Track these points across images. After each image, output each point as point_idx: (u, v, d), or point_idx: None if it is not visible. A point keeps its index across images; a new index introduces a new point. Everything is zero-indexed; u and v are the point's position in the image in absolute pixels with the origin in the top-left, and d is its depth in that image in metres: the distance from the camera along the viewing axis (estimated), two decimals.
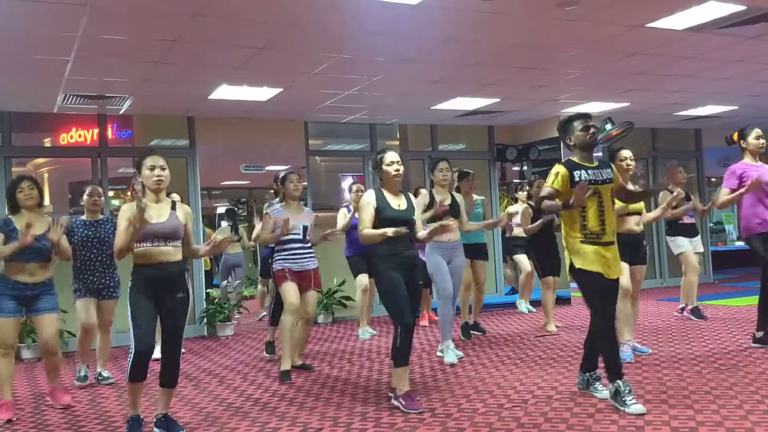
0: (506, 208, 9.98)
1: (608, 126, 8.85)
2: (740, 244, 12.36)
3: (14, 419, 4.71)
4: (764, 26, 5.94)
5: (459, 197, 6.31)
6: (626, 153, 5.53)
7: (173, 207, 4.20)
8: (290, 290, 5.66)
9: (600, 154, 8.39)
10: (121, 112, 8.13)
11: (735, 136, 5.96)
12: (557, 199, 4.34)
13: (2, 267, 4.93)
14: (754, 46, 6.60)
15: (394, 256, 4.59)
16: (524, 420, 4.06)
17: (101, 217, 5.83)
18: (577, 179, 4.29)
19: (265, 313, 9.31)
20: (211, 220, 13.35)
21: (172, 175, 4.25)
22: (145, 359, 4.04)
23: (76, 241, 5.59)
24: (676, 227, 7.51)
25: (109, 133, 8.41)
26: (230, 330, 8.43)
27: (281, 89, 7.31)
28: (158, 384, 4.24)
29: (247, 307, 9.54)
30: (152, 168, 4.12)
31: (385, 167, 4.73)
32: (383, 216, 4.61)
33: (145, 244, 4.05)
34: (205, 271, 9.08)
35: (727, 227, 16.05)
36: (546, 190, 4.35)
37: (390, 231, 4.48)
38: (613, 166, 4.62)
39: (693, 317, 7.58)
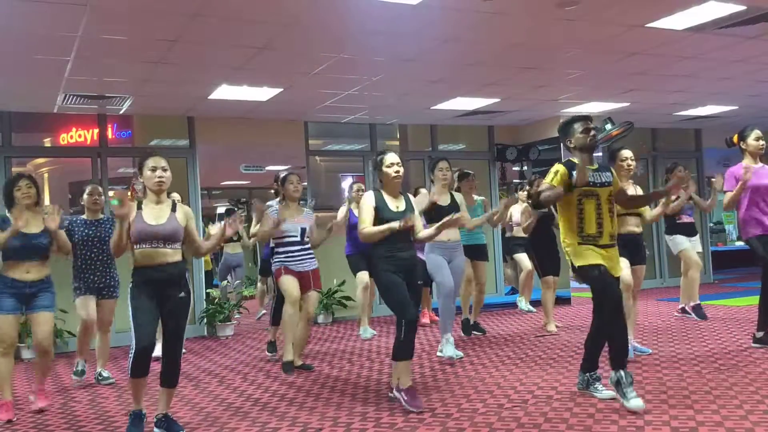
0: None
1: (608, 126, 8.86)
2: (740, 244, 12.37)
3: (14, 419, 4.71)
4: (764, 26, 5.94)
5: (459, 197, 6.31)
6: (627, 153, 5.53)
7: (173, 209, 4.20)
8: (289, 282, 5.71)
9: (600, 154, 8.40)
10: (121, 112, 8.13)
11: (735, 138, 5.96)
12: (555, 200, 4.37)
13: (0, 266, 4.93)
14: (754, 46, 6.60)
15: (393, 256, 4.60)
16: (524, 420, 4.06)
17: (101, 216, 5.84)
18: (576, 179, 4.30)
19: (264, 312, 9.31)
20: (211, 220, 13.33)
21: (172, 176, 4.25)
22: (146, 355, 4.04)
23: (77, 240, 5.60)
24: (675, 226, 7.51)
25: (109, 133, 8.42)
26: (230, 330, 8.43)
27: (281, 89, 7.31)
28: (158, 384, 4.24)
29: (247, 307, 9.53)
30: (154, 169, 4.13)
31: (385, 169, 4.73)
32: (381, 217, 4.61)
33: (144, 246, 4.05)
34: (205, 271, 9.08)
35: (727, 227, 16.05)
36: (544, 186, 4.37)
37: (396, 224, 4.49)
38: (612, 170, 4.63)
39: (694, 315, 7.58)
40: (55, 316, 5.42)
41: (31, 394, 5.05)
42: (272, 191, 6.74)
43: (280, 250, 5.83)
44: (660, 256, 11.55)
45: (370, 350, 6.84)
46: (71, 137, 8.40)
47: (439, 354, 6.18)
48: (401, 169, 4.75)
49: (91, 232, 5.66)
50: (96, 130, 8.30)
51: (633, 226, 5.55)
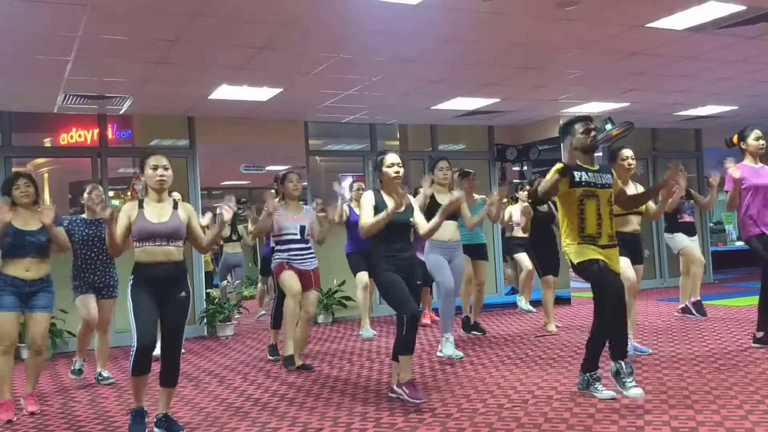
0: (506, 207, 9.98)
1: (608, 126, 8.84)
2: (740, 244, 12.37)
3: (14, 419, 4.71)
4: (764, 26, 5.94)
5: (459, 195, 6.29)
6: (627, 152, 5.54)
7: (175, 206, 4.21)
8: (290, 277, 5.71)
9: (600, 154, 8.40)
10: (121, 112, 8.13)
11: (735, 139, 5.96)
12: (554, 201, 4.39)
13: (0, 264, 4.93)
14: (754, 46, 6.60)
15: (392, 256, 4.61)
16: (524, 420, 4.06)
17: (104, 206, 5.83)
18: (576, 179, 4.31)
19: (263, 312, 9.31)
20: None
21: (173, 176, 4.25)
22: (147, 353, 4.04)
23: (77, 240, 5.60)
24: (676, 225, 7.51)
25: (109, 133, 8.42)
26: (230, 330, 8.43)
27: (281, 89, 7.31)
28: (158, 384, 4.24)
29: (247, 307, 9.53)
30: (155, 168, 4.13)
31: (385, 169, 4.74)
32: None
33: (147, 244, 4.05)
34: (206, 271, 9.08)
35: (727, 227, 16.05)
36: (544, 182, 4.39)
37: (391, 206, 4.49)
38: (613, 172, 4.64)
39: (694, 310, 7.58)
40: (53, 316, 5.44)
41: (21, 398, 5.03)
42: (272, 191, 6.74)
43: (281, 248, 5.85)
44: (660, 256, 11.55)
45: (370, 350, 6.84)
46: (71, 137, 8.40)
47: (439, 354, 6.18)
48: (401, 170, 4.75)
49: (91, 232, 5.66)
50: (96, 130, 8.30)
51: (634, 225, 5.55)
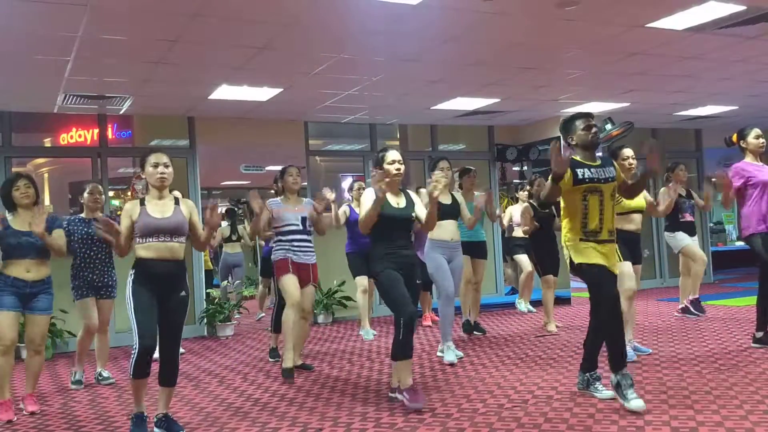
0: (506, 208, 9.99)
1: (608, 126, 8.86)
2: (740, 244, 12.34)
3: (14, 419, 4.71)
4: (764, 26, 5.94)
5: (459, 196, 6.31)
6: (628, 152, 5.53)
7: (176, 203, 4.21)
8: (291, 283, 5.66)
9: (600, 154, 8.39)
10: (121, 112, 8.13)
11: (734, 138, 5.96)
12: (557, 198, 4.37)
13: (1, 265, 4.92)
14: (754, 46, 6.60)
15: (393, 254, 4.61)
16: (524, 420, 4.06)
17: (100, 215, 5.83)
18: (580, 177, 4.30)
19: (263, 314, 9.31)
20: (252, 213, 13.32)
21: (173, 173, 4.25)
22: (149, 354, 4.04)
23: (76, 239, 5.60)
24: (677, 224, 7.51)
25: (109, 133, 8.42)
26: (230, 330, 8.43)
27: (281, 89, 7.31)
28: (158, 384, 4.24)
29: (247, 307, 9.54)
30: (156, 165, 4.13)
31: (386, 166, 4.74)
32: (382, 213, 4.61)
33: (150, 240, 4.05)
34: (205, 271, 9.08)
35: (727, 227, 16.04)
36: (547, 184, 4.37)
37: (379, 193, 4.48)
38: (615, 164, 4.62)
39: (692, 308, 7.58)
40: (53, 316, 5.43)
41: (20, 402, 5.02)
42: (272, 191, 6.73)
43: (283, 238, 5.76)
44: (660, 256, 11.55)
45: (370, 350, 6.84)
46: (71, 137, 8.40)
47: (439, 354, 6.18)
48: (402, 167, 4.76)
49: (90, 231, 5.65)
50: (96, 130, 8.30)
51: (636, 224, 5.56)
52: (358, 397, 4.87)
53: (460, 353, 6.11)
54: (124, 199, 9.53)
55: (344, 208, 7.65)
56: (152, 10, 4.84)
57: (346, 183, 10.78)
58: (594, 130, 4.43)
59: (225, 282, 10.90)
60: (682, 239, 7.49)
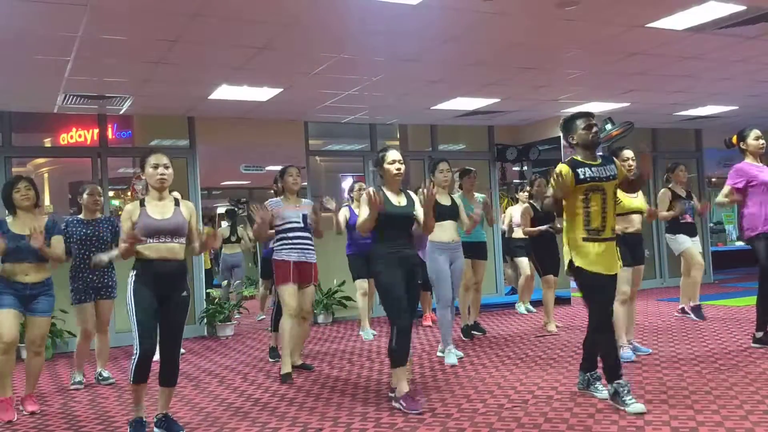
0: (506, 208, 9.99)
1: (608, 126, 8.85)
2: (740, 244, 12.36)
3: (15, 419, 4.71)
4: (764, 26, 5.94)
5: (458, 198, 6.31)
6: (628, 153, 5.52)
7: (176, 204, 4.21)
8: (289, 293, 5.65)
9: (600, 153, 8.39)
10: (121, 112, 8.13)
11: (734, 139, 5.96)
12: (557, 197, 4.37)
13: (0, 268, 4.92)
14: (754, 46, 6.59)
15: (394, 254, 4.60)
16: (524, 420, 4.06)
17: (99, 215, 5.83)
18: (581, 177, 4.30)
19: (264, 316, 9.31)
20: (212, 220, 13.34)
21: (173, 174, 4.25)
22: (149, 357, 4.04)
23: (75, 240, 5.59)
24: (678, 226, 7.50)
25: (109, 133, 8.41)
26: (230, 330, 8.43)
27: (281, 89, 7.31)
28: (158, 384, 4.24)
29: (247, 307, 9.54)
30: (156, 166, 4.14)
31: (386, 166, 4.74)
32: (384, 212, 4.60)
33: (151, 240, 4.05)
34: (205, 270, 9.08)
35: (727, 227, 16.06)
36: (551, 191, 4.37)
37: (372, 203, 4.48)
38: (616, 161, 4.62)
39: (693, 315, 7.57)
40: (53, 316, 5.43)
41: (20, 400, 5.02)
42: (272, 191, 6.72)
43: (284, 236, 5.73)
44: (660, 256, 11.55)
45: (370, 350, 6.84)
46: (71, 137, 8.40)
47: (439, 354, 6.18)
48: (402, 167, 4.75)
49: (89, 232, 5.65)
50: (96, 130, 8.30)
51: (636, 225, 5.56)
52: (358, 397, 4.87)
53: (461, 353, 6.12)
54: (124, 199, 9.52)
55: (344, 210, 7.63)
56: (152, 10, 4.84)
57: (346, 183, 10.78)
58: (594, 129, 4.42)
59: (225, 282, 10.91)
60: (683, 242, 7.47)
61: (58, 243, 5.04)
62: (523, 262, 8.56)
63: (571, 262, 4.40)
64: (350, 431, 4.06)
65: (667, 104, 9.54)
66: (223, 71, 6.56)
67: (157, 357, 4.25)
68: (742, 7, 5.41)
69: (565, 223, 4.48)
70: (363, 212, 4.69)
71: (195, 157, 8.62)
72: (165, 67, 6.25)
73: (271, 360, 6.48)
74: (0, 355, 4.76)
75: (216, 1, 4.72)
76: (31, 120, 8.19)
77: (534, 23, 5.58)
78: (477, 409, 4.35)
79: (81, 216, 5.77)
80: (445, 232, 5.91)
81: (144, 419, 4.18)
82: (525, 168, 10.90)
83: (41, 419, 4.74)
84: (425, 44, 6.01)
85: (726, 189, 5.85)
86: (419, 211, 4.80)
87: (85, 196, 5.77)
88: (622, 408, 4.09)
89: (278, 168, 6.19)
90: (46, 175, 9.75)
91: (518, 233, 8.42)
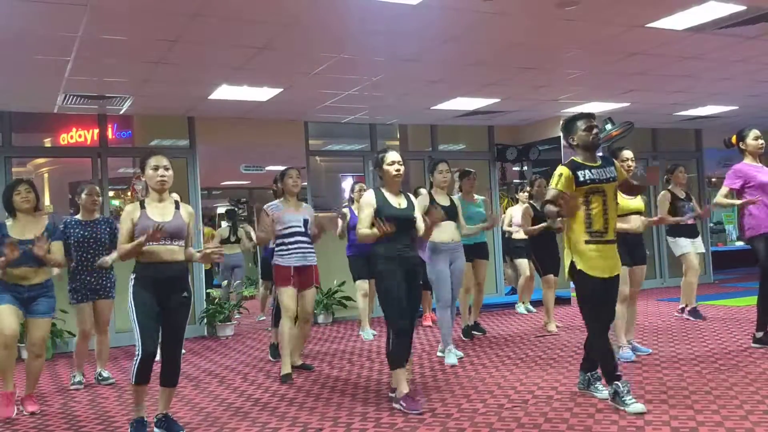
0: (506, 208, 10.00)
1: (608, 126, 8.86)
2: (740, 244, 12.37)
3: (14, 414, 4.71)
4: (764, 26, 5.94)
5: (457, 200, 6.31)
6: (628, 154, 5.52)
7: (176, 206, 4.21)
8: (288, 296, 5.65)
9: (600, 153, 8.40)
10: (121, 113, 8.13)
11: (733, 139, 5.96)
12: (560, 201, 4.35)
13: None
14: (754, 46, 6.60)
15: (395, 256, 4.60)
16: (524, 420, 4.06)
17: (97, 216, 5.83)
18: (581, 179, 4.28)
19: (264, 317, 9.31)
20: (212, 220, 13.35)
21: (173, 175, 4.25)
22: (151, 359, 4.04)
23: (73, 242, 5.58)
24: (677, 228, 7.49)
25: (110, 134, 8.41)
26: (230, 330, 8.43)
27: (281, 89, 7.31)
28: (158, 384, 4.24)
29: (247, 307, 9.53)
30: (156, 168, 4.13)
31: (385, 167, 4.74)
32: (383, 214, 4.60)
33: (150, 243, 4.05)
34: (205, 270, 9.08)
35: (727, 227, 16.05)
36: (550, 192, 4.35)
37: (377, 230, 4.46)
38: (615, 162, 4.61)
39: (692, 318, 7.57)
40: (53, 316, 5.43)
41: (20, 401, 5.02)
42: (271, 191, 6.71)
43: (286, 241, 5.73)
44: (660, 256, 11.55)
45: (370, 350, 6.84)
46: (71, 137, 8.40)
47: (439, 354, 6.18)
48: (402, 168, 4.75)
49: (86, 233, 5.64)
50: (96, 130, 8.30)
51: (634, 225, 5.55)
52: (358, 397, 4.88)
53: (461, 353, 6.12)
54: (124, 199, 9.53)
55: (344, 212, 7.63)
56: (152, 10, 4.84)
57: (346, 183, 10.78)
58: (595, 131, 4.41)
59: (225, 282, 10.91)
60: (683, 246, 7.45)
61: (58, 249, 5.04)
62: (523, 263, 8.56)
63: (572, 265, 4.39)
64: (350, 431, 4.06)
65: (667, 104, 9.55)
66: (223, 71, 6.56)
67: (158, 357, 4.26)
68: (742, 7, 5.42)
69: (565, 225, 4.47)
70: (361, 217, 4.68)
71: (195, 157, 8.62)
72: (165, 67, 6.25)
73: (271, 359, 6.48)
74: (1, 349, 4.77)
75: (216, 1, 4.72)
76: (31, 120, 8.19)
77: (534, 23, 5.58)
78: (477, 409, 4.35)
79: (79, 217, 5.77)
80: (444, 232, 5.91)
81: (145, 419, 4.18)
82: (525, 168, 10.90)
83: (41, 419, 4.74)
84: (425, 44, 6.01)
85: (724, 190, 5.85)
86: (419, 217, 4.81)
87: (83, 196, 5.77)
88: (622, 408, 4.09)
89: (278, 168, 6.18)
90: (46, 176, 9.75)
91: (519, 233, 8.42)
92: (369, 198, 4.69)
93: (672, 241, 7.59)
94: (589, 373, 4.56)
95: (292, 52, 6.05)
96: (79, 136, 8.37)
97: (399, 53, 6.26)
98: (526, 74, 7.31)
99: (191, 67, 6.38)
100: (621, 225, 5.16)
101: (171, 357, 4.18)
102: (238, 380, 5.72)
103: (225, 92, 7.30)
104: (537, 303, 8.62)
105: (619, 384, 4.17)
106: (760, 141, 5.82)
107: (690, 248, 7.44)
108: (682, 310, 7.80)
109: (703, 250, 7.80)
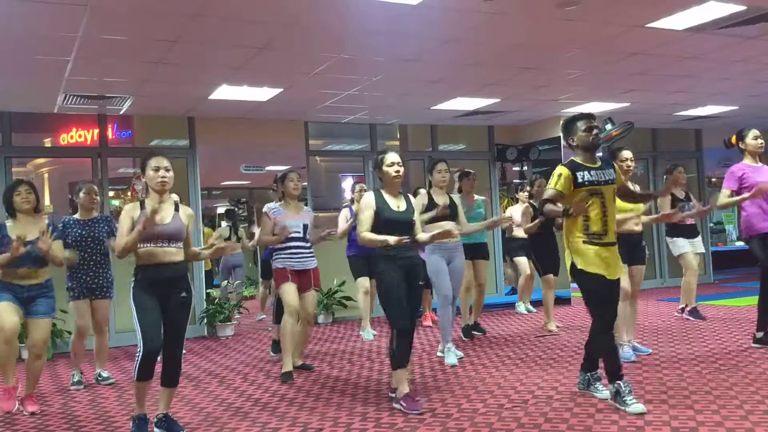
0: (506, 208, 9.99)
1: (608, 126, 8.86)
2: (740, 244, 12.35)
3: (14, 409, 4.71)
4: (764, 26, 5.94)
5: (457, 199, 6.31)
6: (627, 154, 5.52)
7: (176, 208, 4.21)
8: (289, 291, 5.66)
9: (600, 153, 8.40)
10: (121, 113, 8.13)
11: (733, 139, 5.96)
12: (559, 203, 4.35)
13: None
14: (754, 46, 6.60)
15: (394, 257, 4.59)
16: (524, 420, 4.06)
17: (95, 215, 5.82)
18: (580, 180, 4.28)
19: (264, 316, 9.32)
20: (212, 220, 13.36)
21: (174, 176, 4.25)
22: (153, 358, 4.04)
23: (70, 241, 5.58)
24: (675, 228, 7.49)
25: (110, 134, 8.41)
26: (230, 330, 8.43)
27: (281, 89, 7.31)
28: (159, 384, 4.24)
29: (247, 307, 9.53)
30: (156, 169, 4.13)
31: (385, 168, 4.73)
32: (383, 217, 4.61)
33: (148, 245, 4.05)
34: (205, 271, 9.08)
35: (727, 227, 16.06)
36: (549, 192, 4.34)
37: (392, 240, 4.48)
38: (615, 165, 4.61)
39: (691, 318, 7.58)
40: (54, 317, 5.43)
41: (20, 401, 5.02)
42: (271, 191, 6.71)
43: (283, 246, 5.74)
44: (660, 256, 11.55)
45: (370, 350, 6.84)
46: (71, 137, 8.40)
47: (439, 354, 6.18)
48: (401, 169, 4.75)
49: (84, 232, 5.64)
50: (96, 130, 8.30)
51: (633, 225, 5.55)
52: (358, 397, 4.88)
53: (461, 353, 6.12)
54: (124, 199, 9.53)
55: (344, 211, 7.63)
56: (152, 10, 4.84)
57: (346, 183, 10.78)
58: (595, 131, 4.41)
59: (225, 282, 10.91)
60: (682, 246, 7.45)
61: (58, 248, 5.05)
62: (523, 261, 8.56)
63: (573, 265, 4.39)
64: (350, 431, 4.06)
65: (667, 104, 9.55)
66: (223, 71, 6.56)
67: (159, 357, 4.27)
68: (742, 7, 5.42)
69: (564, 226, 4.47)
70: (361, 219, 4.68)
71: (195, 157, 8.62)
72: (165, 67, 6.25)
73: (272, 354, 6.49)
74: (2, 344, 4.77)
75: (216, 1, 4.72)
76: (31, 120, 8.19)
77: (534, 23, 5.58)
78: (477, 409, 4.35)
79: (77, 216, 5.76)
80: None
81: (147, 416, 4.19)
82: (525, 168, 10.90)
83: (41, 419, 4.74)
84: (425, 44, 6.01)
85: (725, 192, 5.85)
86: (418, 219, 4.81)
87: (81, 194, 5.75)
88: (623, 408, 4.09)
89: (278, 168, 6.18)
90: (46, 176, 9.76)
91: (518, 233, 8.42)
92: (368, 200, 4.69)
93: (670, 241, 7.60)
94: (589, 374, 4.56)
95: (292, 52, 6.05)
96: (79, 136, 8.37)
97: (399, 53, 6.26)
98: (526, 74, 7.31)
99: (191, 67, 6.38)
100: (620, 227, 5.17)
101: (171, 357, 4.19)
102: (238, 380, 5.72)
103: (225, 92, 7.30)
104: (537, 303, 8.62)
105: (621, 384, 4.17)
106: (760, 141, 5.82)
107: (688, 248, 7.43)
108: (682, 310, 7.80)
109: (703, 250, 7.80)
